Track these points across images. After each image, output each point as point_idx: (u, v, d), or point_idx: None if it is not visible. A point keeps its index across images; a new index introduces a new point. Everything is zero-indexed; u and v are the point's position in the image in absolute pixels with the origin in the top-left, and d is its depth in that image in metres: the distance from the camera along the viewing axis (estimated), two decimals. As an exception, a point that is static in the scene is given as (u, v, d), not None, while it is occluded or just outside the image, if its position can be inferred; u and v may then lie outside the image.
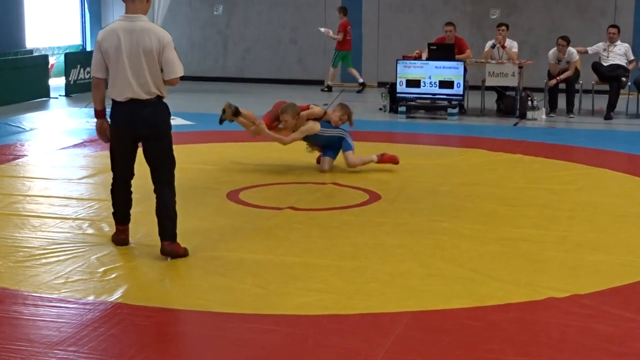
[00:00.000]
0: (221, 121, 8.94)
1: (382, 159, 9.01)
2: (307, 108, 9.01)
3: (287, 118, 8.82)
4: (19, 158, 9.51)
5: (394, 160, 9.01)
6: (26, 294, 5.13)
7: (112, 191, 6.17)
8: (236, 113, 8.83)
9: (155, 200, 5.93)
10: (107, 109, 6.02)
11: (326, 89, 17.45)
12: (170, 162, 5.96)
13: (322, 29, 17.56)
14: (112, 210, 6.20)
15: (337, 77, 18.08)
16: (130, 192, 6.15)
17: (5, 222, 6.76)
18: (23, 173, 8.71)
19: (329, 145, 8.98)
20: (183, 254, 5.90)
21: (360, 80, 17.48)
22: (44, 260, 5.77)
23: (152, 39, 5.69)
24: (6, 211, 7.11)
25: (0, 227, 6.60)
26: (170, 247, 5.86)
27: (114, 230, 6.28)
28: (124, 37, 5.70)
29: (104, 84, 5.94)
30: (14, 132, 11.44)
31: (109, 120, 6.01)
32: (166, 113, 5.91)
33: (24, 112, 13.29)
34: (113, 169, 6.11)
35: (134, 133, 5.85)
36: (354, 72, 17.50)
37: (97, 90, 5.95)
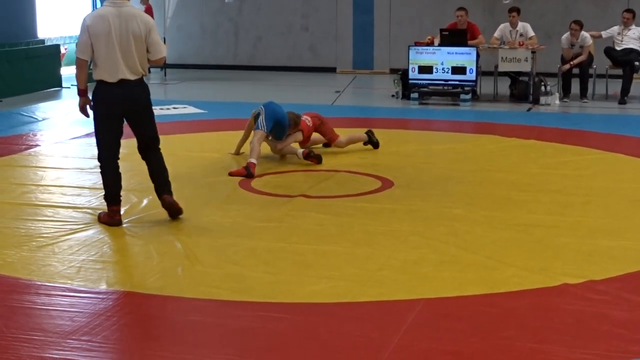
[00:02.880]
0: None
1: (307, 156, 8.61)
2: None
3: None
4: (31, 148, 9.52)
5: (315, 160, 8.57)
6: (39, 283, 5.13)
7: (102, 173, 6.46)
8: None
9: (147, 168, 6.60)
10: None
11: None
12: (156, 130, 6.55)
13: None
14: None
15: (349, 65, 18.00)
16: (119, 172, 6.47)
17: (18, 211, 6.77)
18: (35, 163, 8.72)
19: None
20: (180, 208, 6.48)
21: None
22: (56, 250, 5.77)
23: (139, 23, 6.22)
24: (19, 201, 7.12)
25: (13, 216, 6.61)
26: (171, 198, 6.45)
27: (126, 218, 6.35)
28: (113, 23, 6.16)
29: (87, 65, 6.34)
30: (26, 122, 11.46)
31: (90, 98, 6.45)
32: (148, 90, 6.47)
33: (36, 102, 13.32)
34: (100, 150, 6.45)
35: (125, 109, 6.32)
36: None
37: (81, 71, 6.35)
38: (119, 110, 6.31)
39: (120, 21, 6.16)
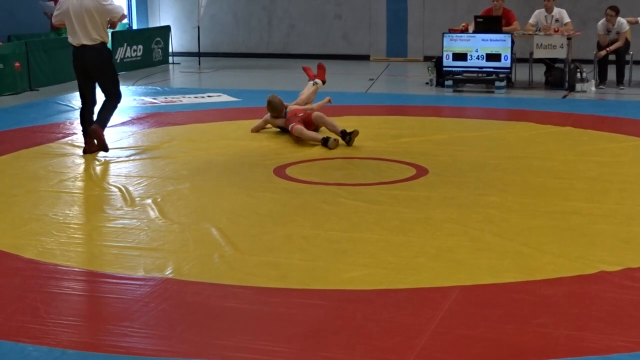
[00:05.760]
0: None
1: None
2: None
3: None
4: (67, 136, 9.61)
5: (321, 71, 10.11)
6: (77, 270, 5.19)
7: (81, 114, 8.73)
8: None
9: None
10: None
11: None
12: (110, 86, 8.62)
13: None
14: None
15: (383, 52, 17.94)
16: (93, 114, 8.64)
17: (56, 199, 6.84)
18: (72, 151, 8.79)
19: None
20: (102, 141, 8.52)
21: None
22: (94, 237, 5.84)
23: (90, 2, 8.32)
24: (56, 189, 7.19)
25: (51, 204, 6.68)
26: (98, 129, 8.43)
27: (162, 205, 6.49)
28: (72, 3, 8.35)
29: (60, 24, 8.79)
30: (63, 110, 11.57)
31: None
32: (107, 52, 8.65)
33: (71, 91, 13.39)
34: (81, 99, 8.72)
35: (84, 67, 8.46)
36: None
37: (58, 25, 8.93)
38: (82, 67, 8.46)
39: (79, 1, 8.30)
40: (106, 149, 8.47)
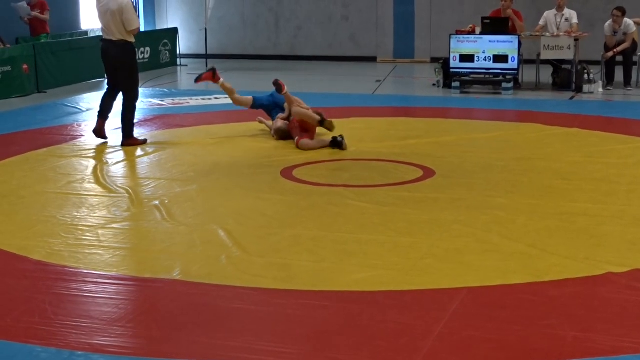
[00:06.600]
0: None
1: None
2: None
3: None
4: (76, 138, 9.64)
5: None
6: (85, 271, 5.20)
7: (103, 96, 9.41)
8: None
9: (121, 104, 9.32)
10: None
11: None
12: (127, 82, 9.21)
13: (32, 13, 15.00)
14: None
15: (390, 54, 17.91)
16: (113, 100, 9.38)
17: (64, 201, 6.86)
18: (80, 153, 8.82)
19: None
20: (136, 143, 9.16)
21: None
22: (102, 238, 5.85)
23: (115, 4, 8.97)
24: (64, 190, 7.21)
25: (59, 206, 6.70)
26: (127, 141, 9.11)
27: (169, 207, 6.51)
28: (99, 2, 9.13)
29: None
30: (71, 112, 11.60)
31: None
32: (129, 51, 9.23)
33: (80, 93, 13.46)
34: (108, 85, 9.40)
35: (107, 61, 9.25)
36: None
37: None
38: (109, 61, 9.20)
39: (105, 2, 9.03)
40: (145, 142, 9.23)
